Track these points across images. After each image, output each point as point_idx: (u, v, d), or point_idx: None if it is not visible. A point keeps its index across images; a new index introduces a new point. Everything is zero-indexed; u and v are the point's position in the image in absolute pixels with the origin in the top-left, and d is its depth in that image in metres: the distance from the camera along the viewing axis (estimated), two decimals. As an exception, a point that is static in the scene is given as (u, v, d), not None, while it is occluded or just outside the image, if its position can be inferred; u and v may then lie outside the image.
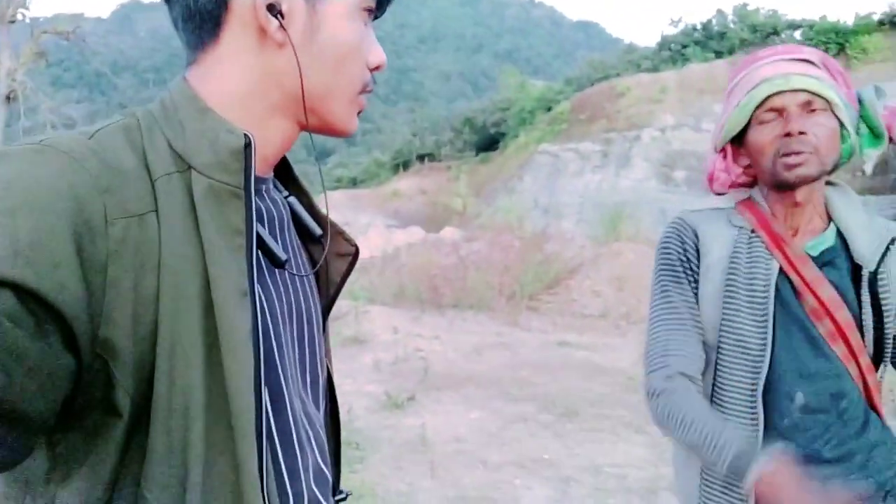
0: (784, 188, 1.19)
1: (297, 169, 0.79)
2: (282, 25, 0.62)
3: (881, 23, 25.56)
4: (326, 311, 0.80)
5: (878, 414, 1.18)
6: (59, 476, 0.54)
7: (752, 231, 1.22)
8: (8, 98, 12.00)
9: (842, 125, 1.17)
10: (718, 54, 31.54)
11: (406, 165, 37.68)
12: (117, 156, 0.56)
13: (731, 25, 34.78)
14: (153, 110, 0.63)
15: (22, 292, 0.46)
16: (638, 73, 32.42)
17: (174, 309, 0.55)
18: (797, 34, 29.96)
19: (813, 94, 1.14)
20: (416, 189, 31.93)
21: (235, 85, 0.64)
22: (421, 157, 38.08)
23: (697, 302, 1.24)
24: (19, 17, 12.45)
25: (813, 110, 1.14)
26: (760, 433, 1.15)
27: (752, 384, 1.16)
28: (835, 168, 1.21)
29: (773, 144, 1.16)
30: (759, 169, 1.21)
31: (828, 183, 1.25)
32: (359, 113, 0.71)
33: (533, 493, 3.59)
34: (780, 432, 1.14)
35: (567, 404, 5.10)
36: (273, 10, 0.62)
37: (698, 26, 36.10)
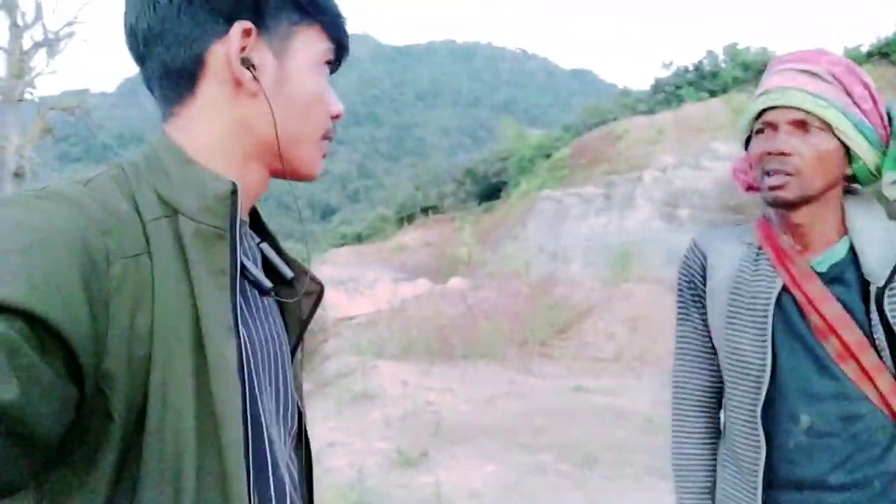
0: (775, 206, 1.16)
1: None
2: (255, 77, 0.68)
3: (870, 54, 25.92)
4: (295, 348, 0.85)
5: None
6: None
7: (760, 248, 1.19)
8: (16, 174, 12.18)
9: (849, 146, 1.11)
10: (712, 93, 31.99)
11: (410, 219, 37.84)
12: (112, 201, 0.60)
13: (723, 65, 35.38)
14: (137, 162, 0.67)
15: (34, 322, 0.49)
16: (634, 115, 32.85)
17: (167, 344, 0.59)
18: (789, 69, 30.43)
19: (807, 112, 1.09)
20: (422, 241, 32.04)
21: (214, 135, 0.69)
22: (425, 210, 38.31)
23: (708, 322, 1.25)
24: (27, 96, 12.73)
25: (807, 129, 1.10)
26: (762, 454, 1.13)
27: (753, 404, 1.14)
28: (855, 184, 1.17)
29: (760, 159, 1.13)
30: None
31: (849, 192, 1.19)
32: (323, 157, 0.77)
33: (556, 549, 3.41)
34: (786, 455, 1.12)
35: (586, 452, 4.92)
36: (246, 63, 0.68)
37: (690, 67, 36.73)
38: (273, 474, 0.71)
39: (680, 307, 1.32)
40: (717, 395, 1.29)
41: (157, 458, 0.57)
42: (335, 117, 0.77)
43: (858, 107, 1.11)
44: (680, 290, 1.32)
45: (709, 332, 1.26)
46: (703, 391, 1.29)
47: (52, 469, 0.55)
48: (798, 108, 1.10)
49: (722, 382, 1.26)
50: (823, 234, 1.16)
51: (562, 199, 26.96)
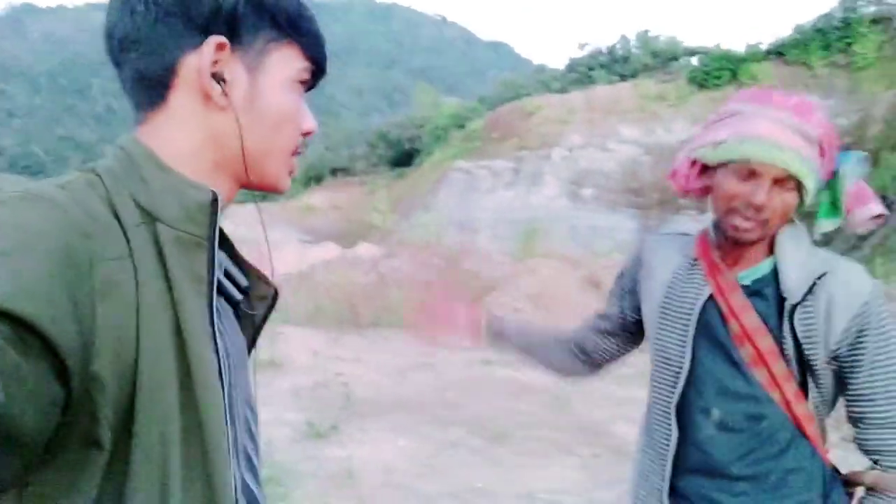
0: (732, 240, 1.25)
1: None
2: (224, 91, 0.69)
3: (769, 52, 27.42)
4: (248, 352, 0.86)
5: (812, 443, 1.22)
6: None
7: (696, 259, 1.32)
8: None
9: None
10: (623, 77, 32.88)
11: (319, 179, 36.86)
12: (92, 205, 0.60)
13: (634, 51, 36.40)
14: (112, 167, 0.66)
15: (18, 325, 0.48)
16: (547, 93, 33.28)
17: (152, 346, 0.59)
18: (694, 60, 31.68)
19: (792, 174, 1.15)
20: (330, 204, 31.41)
21: (184, 144, 0.70)
22: (334, 172, 37.46)
23: (641, 314, 1.43)
24: None
25: (784, 186, 1.17)
26: (673, 443, 1.27)
27: (670, 396, 1.28)
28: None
29: (732, 200, 1.19)
30: (713, 207, 1.26)
31: None
32: (290, 173, 0.79)
33: (468, 526, 3.45)
34: (697, 445, 1.26)
35: (496, 427, 5.01)
36: (217, 77, 0.69)
37: (604, 50, 37.56)
38: (240, 473, 0.74)
39: (614, 285, 1.53)
40: (585, 347, 1.53)
41: (145, 461, 0.58)
42: (306, 134, 0.79)
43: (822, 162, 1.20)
44: (618, 275, 1.51)
45: (621, 316, 1.48)
46: (584, 335, 1.53)
47: (37, 471, 0.55)
48: (786, 169, 1.15)
49: (597, 351, 1.52)
50: (754, 253, 1.27)
51: (473, 171, 27.09)
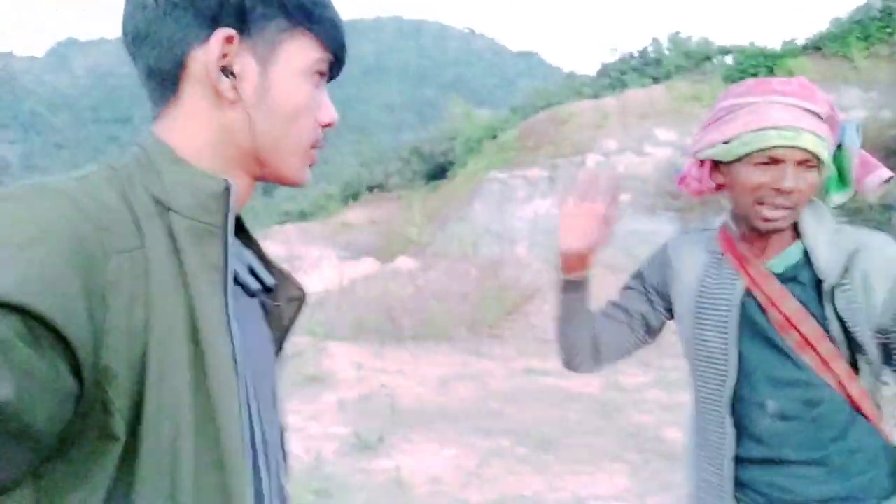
0: (764, 231, 1.25)
1: (247, 203, 0.83)
2: (233, 85, 0.67)
3: (805, 47, 26.79)
4: (276, 354, 0.85)
5: (870, 420, 1.21)
6: None
7: (722, 254, 1.31)
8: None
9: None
10: (655, 80, 32.47)
11: (355, 196, 37.23)
12: (106, 197, 0.60)
13: (667, 52, 35.97)
14: (128, 163, 0.66)
15: (29, 318, 0.48)
16: (580, 100, 33.05)
17: (162, 338, 0.58)
18: (729, 59, 31.15)
19: (813, 153, 1.17)
20: (367, 219, 31.68)
21: (197, 139, 0.69)
22: (370, 188, 37.83)
23: (673, 317, 1.41)
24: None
25: (807, 167, 1.18)
26: (730, 439, 1.25)
27: (720, 395, 1.27)
28: None
29: (759, 190, 1.20)
30: (736, 202, 1.26)
31: None
32: (311, 165, 0.76)
33: (519, 534, 3.43)
34: (757, 439, 1.24)
35: (542, 435, 4.98)
36: (226, 70, 0.67)
37: (635, 54, 37.21)
38: (268, 470, 0.71)
39: (626, 284, 1.48)
40: (600, 342, 1.43)
41: (155, 452, 0.57)
42: (326, 125, 0.76)
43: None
44: (634, 274, 1.47)
45: (651, 314, 1.44)
46: (600, 330, 1.43)
47: (50, 465, 0.54)
48: (807, 150, 1.16)
49: (610, 345, 1.44)
50: (779, 240, 1.27)
51: (507, 181, 27.04)
